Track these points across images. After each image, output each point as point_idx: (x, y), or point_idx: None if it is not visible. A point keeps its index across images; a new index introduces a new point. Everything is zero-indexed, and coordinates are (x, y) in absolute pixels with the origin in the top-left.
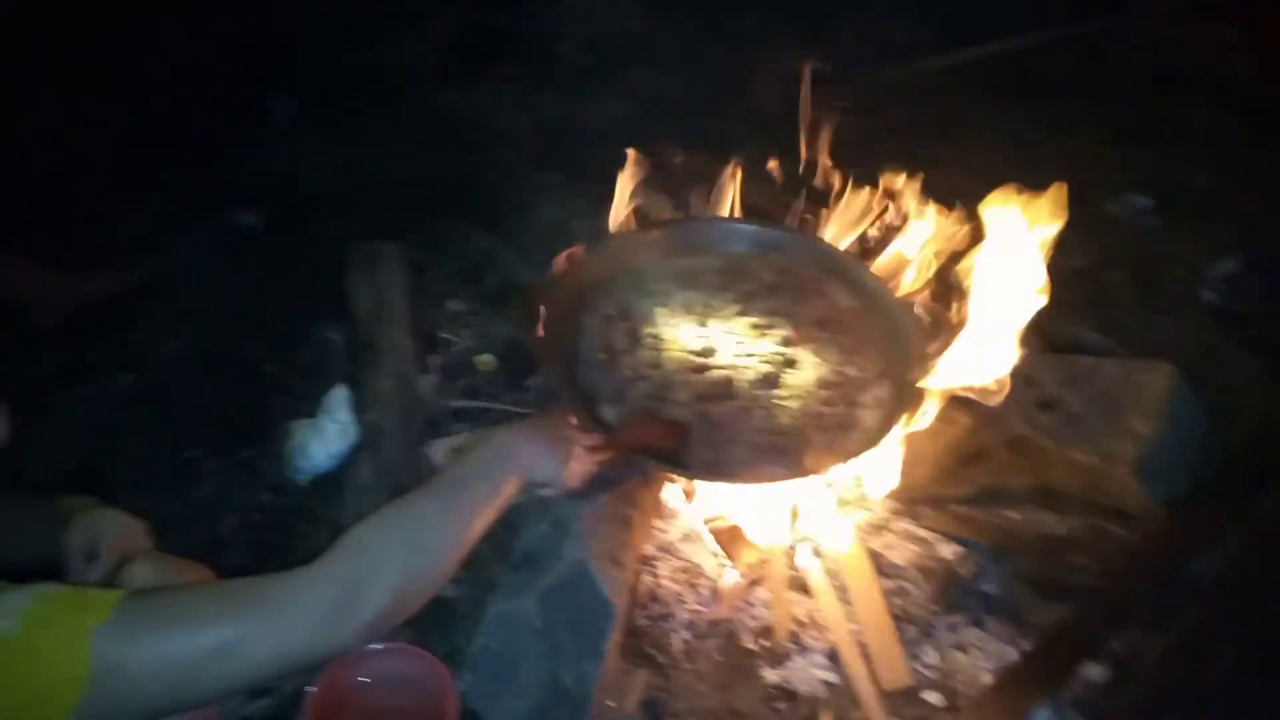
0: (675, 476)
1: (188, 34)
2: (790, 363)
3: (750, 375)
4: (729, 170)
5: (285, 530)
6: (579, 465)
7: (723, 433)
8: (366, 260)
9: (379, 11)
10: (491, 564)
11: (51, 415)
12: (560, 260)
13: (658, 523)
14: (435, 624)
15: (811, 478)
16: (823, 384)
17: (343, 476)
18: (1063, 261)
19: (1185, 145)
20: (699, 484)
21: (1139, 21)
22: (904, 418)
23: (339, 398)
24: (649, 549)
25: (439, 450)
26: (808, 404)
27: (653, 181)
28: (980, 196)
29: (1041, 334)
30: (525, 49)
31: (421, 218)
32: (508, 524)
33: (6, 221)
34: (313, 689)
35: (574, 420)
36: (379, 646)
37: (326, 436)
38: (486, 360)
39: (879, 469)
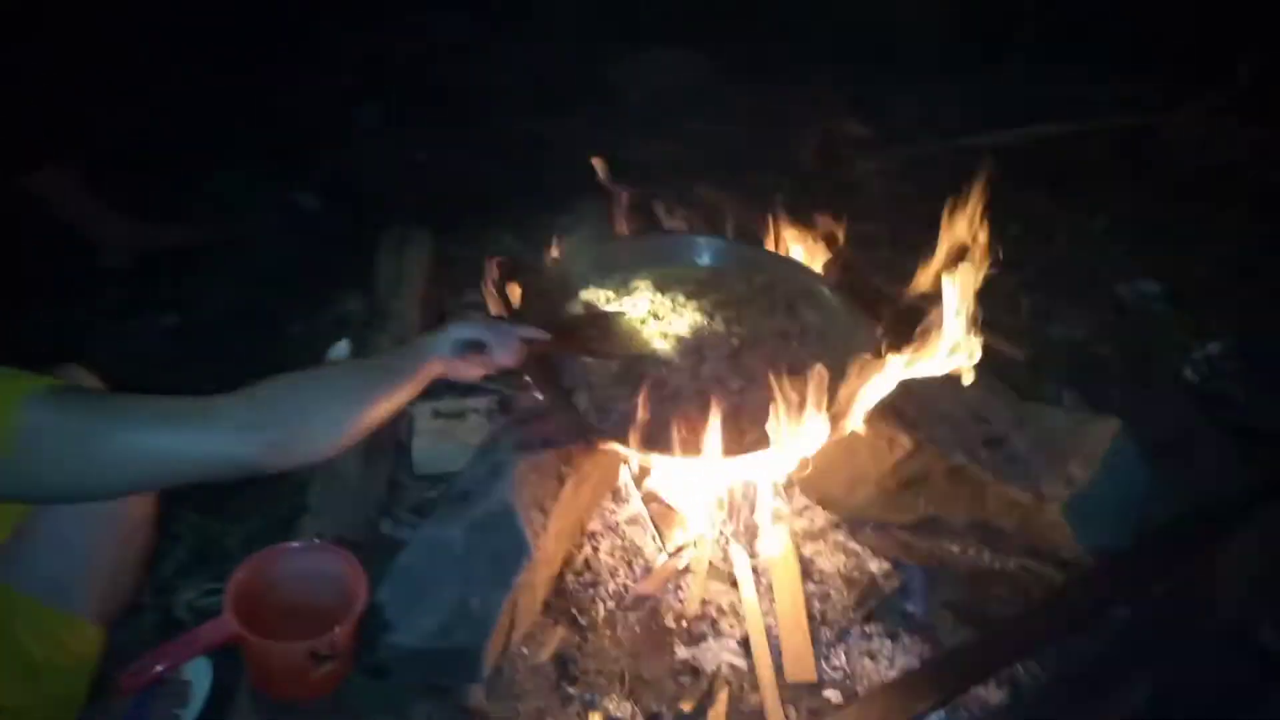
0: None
1: (309, 37)
2: (741, 363)
3: (704, 370)
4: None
5: None
6: (508, 341)
7: (664, 413)
8: (397, 242)
9: (471, 47)
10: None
11: (99, 340)
12: (551, 250)
13: (607, 504)
14: (382, 557)
15: (737, 460)
16: (768, 387)
17: None
18: (1058, 331)
19: (1208, 240)
20: (642, 458)
21: (1183, 122)
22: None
23: (340, 349)
24: (594, 527)
25: (422, 410)
26: (750, 402)
27: (678, 213)
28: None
29: (1017, 389)
30: (600, 93)
31: (465, 220)
32: None
33: (103, 170)
34: (234, 578)
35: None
36: (300, 544)
37: None
38: None
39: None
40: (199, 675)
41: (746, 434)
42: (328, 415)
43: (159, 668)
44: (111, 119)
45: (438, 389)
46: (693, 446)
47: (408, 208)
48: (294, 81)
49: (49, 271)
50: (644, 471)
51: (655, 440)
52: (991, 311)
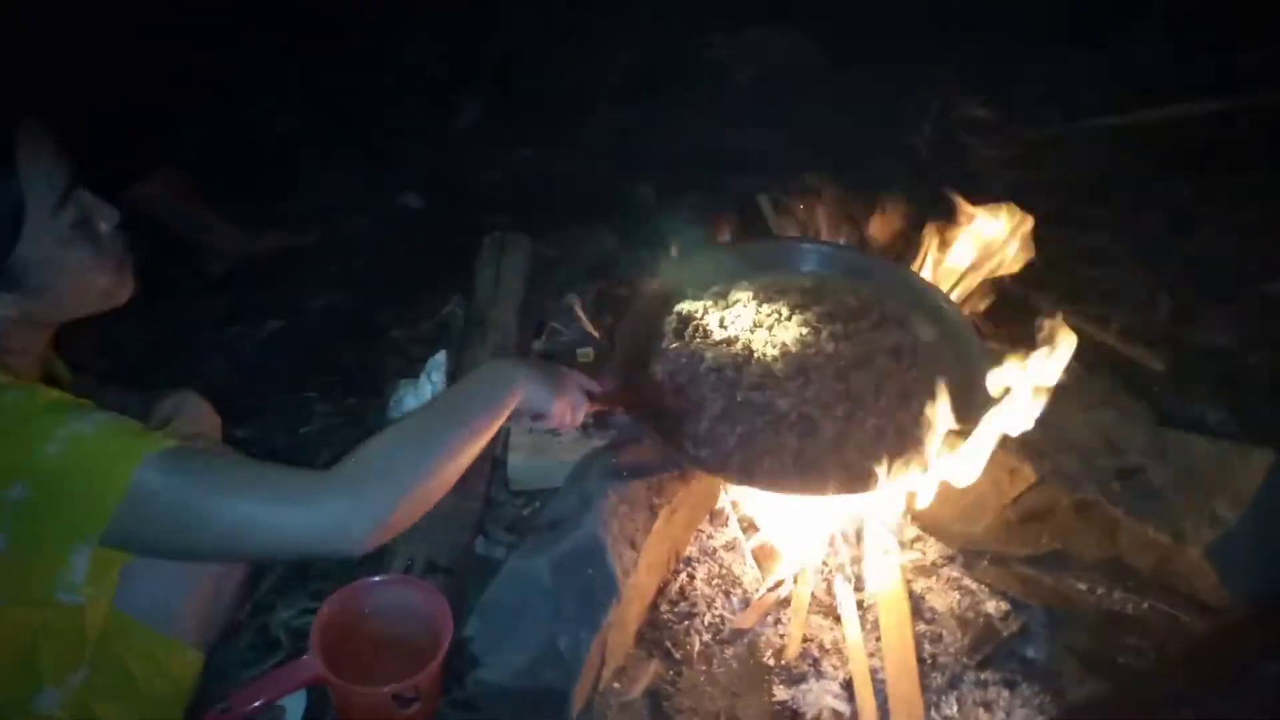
0: (714, 478)
1: (404, 35)
2: (850, 385)
3: (809, 392)
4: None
5: None
6: (572, 408)
7: (766, 441)
8: (496, 246)
9: (571, 35)
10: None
11: (203, 347)
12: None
13: (704, 526)
14: (474, 580)
15: (842, 498)
16: (880, 412)
17: None
18: (1202, 338)
19: None
20: (738, 490)
21: None
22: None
23: (438, 362)
24: (690, 551)
25: (517, 425)
26: (860, 428)
27: (790, 211)
28: (1125, 264)
29: (1156, 407)
30: (702, 76)
31: (565, 218)
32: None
33: (212, 177)
34: (321, 615)
35: (584, 376)
36: (385, 579)
37: (422, 395)
38: (585, 353)
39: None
40: (293, 701)
41: (852, 467)
42: (432, 479)
43: (257, 703)
44: (207, 122)
45: None
46: (793, 482)
47: (508, 207)
48: (389, 77)
49: (154, 278)
50: (743, 498)
51: (754, 474)
52: (1126, 315)
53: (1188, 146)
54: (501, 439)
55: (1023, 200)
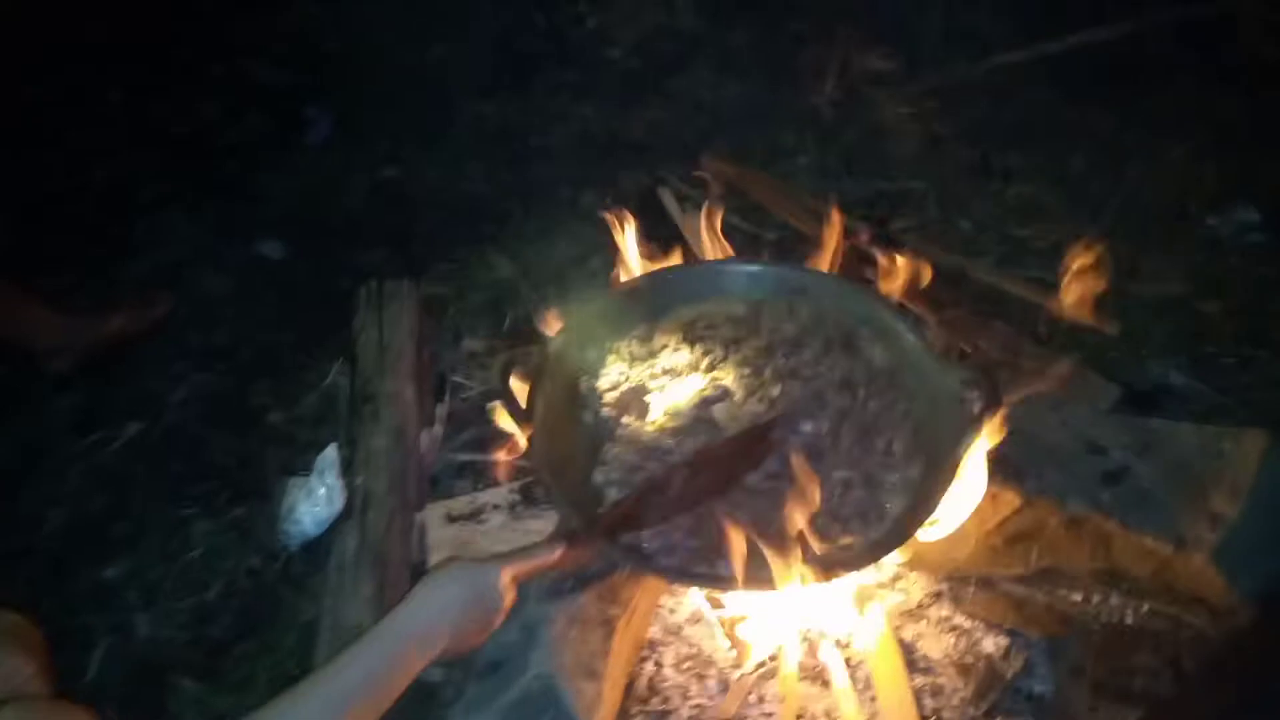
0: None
1: (222, 52)
2: (805, 436)
3: (759, 450)
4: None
5: (271, 600)
6: (486, 623)
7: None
8: (374, 299)
9: (420, 20)
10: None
11: (59, 466)
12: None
13: (665, 601)
14: (416, 712)
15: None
16: (842, 462)
17: (329, 544)
18: (1151, 289)
19: None
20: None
21: (1252, 7)
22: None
23: (329, 458)
24: (653, 633)
25: (433, 517)
26: (822, 487)
27: (692, 202)
28: (1059, 215)
29: (1114, 375)
30: (571, 54)
31: (448, 244)
32: None
33: (17, 259)
34: None
35: (506, 570)
36: None
37: (315, 500)
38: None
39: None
40: None
41: (830, 538)
42: None
43: None
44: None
45: (446, 483)
46: (766, 580)
47: (381, 238)
48: (221, 96)
49: None
50: None
51: (718, 568)
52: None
53: (1100, 74)
54: (417, 538)
55: (938, 155)
